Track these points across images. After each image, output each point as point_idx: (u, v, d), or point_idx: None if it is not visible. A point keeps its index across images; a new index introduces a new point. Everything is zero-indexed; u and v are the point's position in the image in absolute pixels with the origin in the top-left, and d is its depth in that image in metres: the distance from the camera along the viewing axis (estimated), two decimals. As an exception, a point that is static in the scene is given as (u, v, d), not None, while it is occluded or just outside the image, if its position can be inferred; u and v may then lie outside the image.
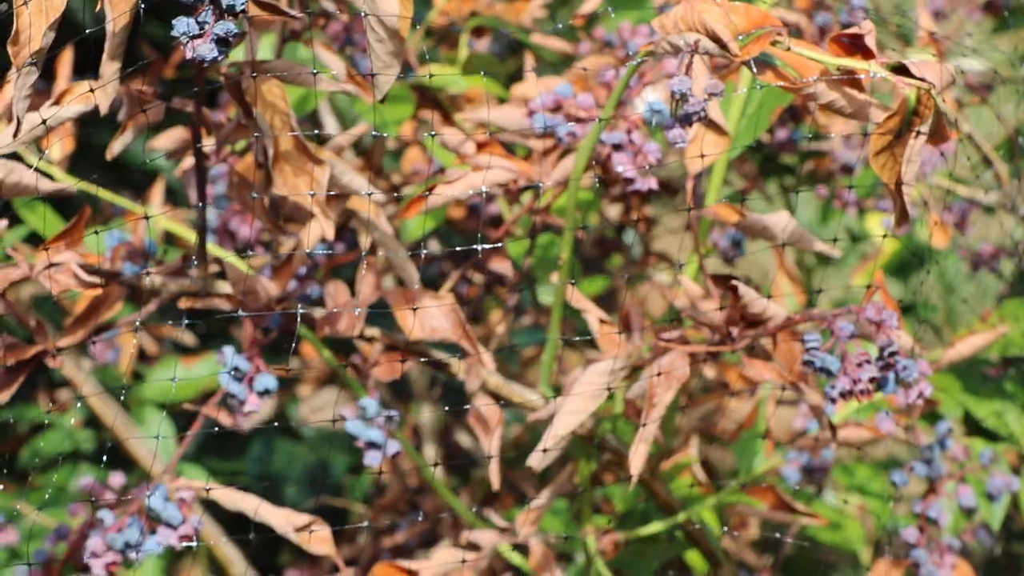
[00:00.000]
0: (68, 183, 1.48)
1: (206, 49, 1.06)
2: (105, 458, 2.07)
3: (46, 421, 2.19)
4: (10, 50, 1.13)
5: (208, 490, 1.35)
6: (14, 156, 1.27)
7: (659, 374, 1.22)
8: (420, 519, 1.86)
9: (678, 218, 1.71)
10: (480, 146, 1.39)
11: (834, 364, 1.23)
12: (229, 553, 1.69)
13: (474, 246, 1.55)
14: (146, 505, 1.32)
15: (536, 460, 1.27)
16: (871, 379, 1.23)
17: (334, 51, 1.54)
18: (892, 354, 1.23)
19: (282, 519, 1.34)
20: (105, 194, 1.56)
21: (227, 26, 1.06)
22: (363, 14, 1.14)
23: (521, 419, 1.58)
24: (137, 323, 1.30)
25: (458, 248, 1.56)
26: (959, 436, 1.52)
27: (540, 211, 1.50)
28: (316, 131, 1.74)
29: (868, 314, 1.24)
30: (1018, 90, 2.09)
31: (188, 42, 1.06)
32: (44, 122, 1.19)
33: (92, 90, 1.19)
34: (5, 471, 2.17)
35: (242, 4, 1.06)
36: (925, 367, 1.24)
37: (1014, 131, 2.08)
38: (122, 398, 2.02)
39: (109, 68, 1.14)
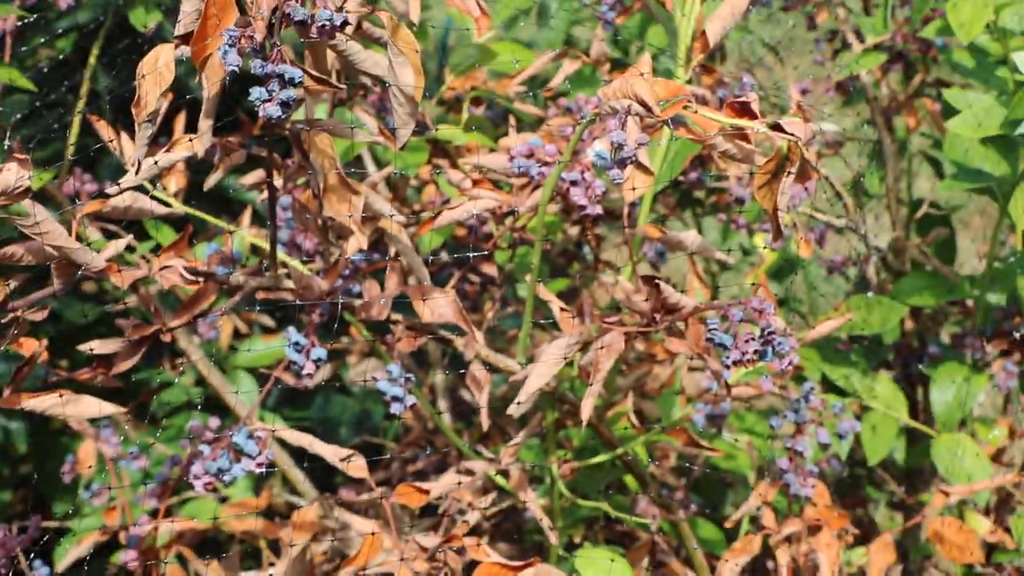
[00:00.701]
0: (178, 208, 1.46)
1: (274, 110, 1.05)
2: (206, 407, 2.06)
3: (168, 380, 2.17)
4: (133, 111, 1.11)
5: (273, 431, 1.33)
6: (140, 188, 1.25)
7: (602, 348, 1.21)
8: (433, 452, 1.85)
9: (619, 235, 1.69)
10: (475, 183, 1.38)
11: (728, 341, 1.22)
12: (298, 476, 1.68)
13: (470, 254, 1.55)
14: (233, 441, 1.30)
15: (515, 409, 1.27)
16: (755, 351, 1.22)
17: (371, 114, 1.53)
18: (770, 334, 1.22)
19: (330, 452, 1.33)
20: (206, 216, 1.55)
21: (289, 93, 1.05)
22: (388, 85, 1.13)
23: (505, 380, 1.55)
24: (225, 310, 1.30)
25: (458, 256, 1.55)
26: (818, 393, 1.50)
27: (518, 230, 1.49)
28: (356, 171, 1.74)
29: (753, 305, 1.23)
30: (859, 145, 2.08)
31: (261, 105, 1.04)
32: (156, 163, 1.17)
33: (191, 140, 1.18)
34: (141, 416, 2.16)
35: (300, 77, 1.05)
36: (794, 343, 1.23)
37: (857, 174, 2.06)
38: (220, 364, 2.01)
39: (205, 124, 1.12)
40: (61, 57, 2.34)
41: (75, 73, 2.09)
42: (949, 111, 1.58)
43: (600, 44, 1.80)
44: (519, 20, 2.28)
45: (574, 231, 1.67)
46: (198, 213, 1.58)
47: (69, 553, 1.73)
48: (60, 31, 2.19)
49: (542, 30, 2.42)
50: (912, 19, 1.78)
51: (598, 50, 1.80)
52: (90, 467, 1.79)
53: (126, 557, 1.61)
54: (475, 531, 1.43)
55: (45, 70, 2.38)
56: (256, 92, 1.06)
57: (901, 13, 1.94)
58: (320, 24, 1.06)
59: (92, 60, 1.92)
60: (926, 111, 1.95)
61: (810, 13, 2.03)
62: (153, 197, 1.43)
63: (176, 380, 2.17)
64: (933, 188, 2.13)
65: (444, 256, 1.69)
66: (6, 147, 1.80)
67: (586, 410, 1.23)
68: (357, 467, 1.32)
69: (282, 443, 1.56)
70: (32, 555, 1.57)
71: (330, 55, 1.16)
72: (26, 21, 1.79)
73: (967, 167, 1.58)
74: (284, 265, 1.33)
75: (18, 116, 2.36)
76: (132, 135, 1.15)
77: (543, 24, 2.42)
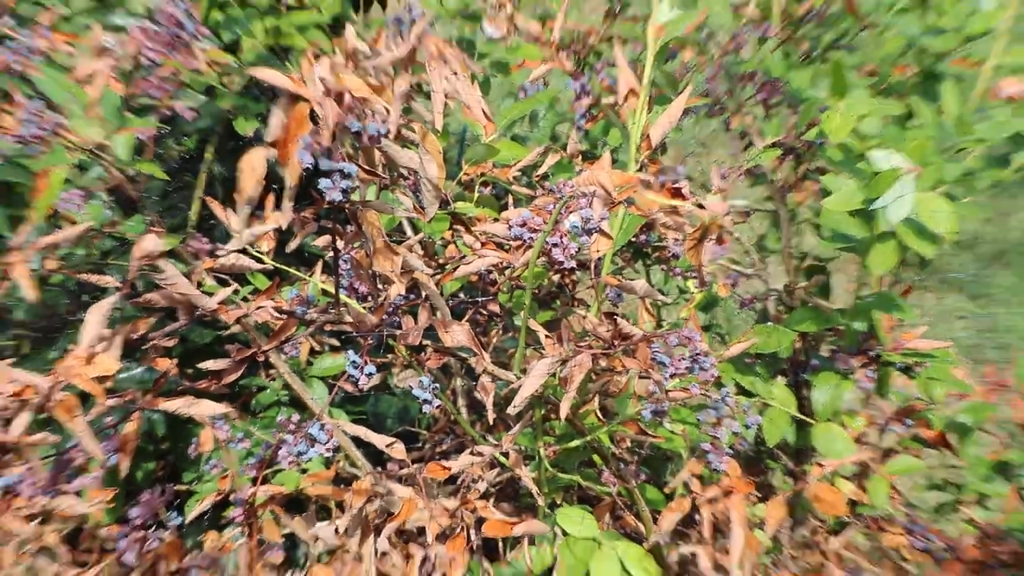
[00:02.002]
0: (268, 264, 1.47)
1: (336, 195, 1.05)
2: (291, 405, 2.06)
3: (263, 385, 2.18)
4: (235, 197, 1.11)
5: (337, 425, 1.33)
6: (242, 251, 1.26)
7: (575, 365, 1.21)
8: (454, 438, 1.84)
9: (588, 283, 1.69)
10: (483, 244, 1.39)
11: (666, 360, 1.22)
12: (357, 455, 1.67)
13: (479, 298, 1.55)
14: (309, 432, 1.30)
15: (513, 409, 1.26)
16: (686, 368, 1.22)
17: (408, 195, 1.53)
18: (697, 355, 1.23)
19: (378, 439, 1.33)
20: (289, 269, 1.55)
21: (347, 183, 1.05)
22: (420, 175, 1.13)
23: (506, 386, 1.55)
24: (303, 336, 1.30)
25: (471, 297, 1.56)
26: (733, 395, 1.50)
27: (515, 279, 1.50)
28: (398, 235, 1.74)
29: (684, 334, 1.23)
30: (762, 214, 2.08)
31: (327, 191, 1.05)
32: (252, 233, 1.18)
33: (277, 215, 1.18)
34: (244, 411, 2.17)
35: (355, 171, 1.05)
36: (714, 361, 1.23)
37: (761, 235, 2.06)
38: (300, 374, 2.01)
39: (287, 205, 1.13)
40: (187, 154, 2.35)
41: (196, 164, 2.10)
42: (826, 191, 1.58)
43: (574, 143, 1.81)
44: (516, 124, 2.28)
45: (556, 278, 1.68)
46: (283, 267, 1.58)
47: (194, 508, 1.76)
48: (186, 134, 2.20)
49: (533, 131, 2.43)
50: (799, 124, 1.78)
51: (573, 147, 1.81)
52: (209, 447, 1.80)
53: (234, 512, 1.61)
54: (484, 496, 1.43)
55: (175, 164, 2.39)
56: (324, 182, 1.07)
57: (791, 119, 1.94)
58: (369, 134, 1.07)
59: (208, 155, 1.93)
60: (810, 190, 1.96)
61: (726, 119, 2.04)
62: (251, 255, 1.44)
63: (269, 385, 2.18)
64: (815, 245, 2.13)
65: (461, 296, 1.69)
66: (149, 220, 1.81)
67: (564, 409, 1.24)
68: (398, 451, 1.33)
69: (344, 432, 1.56)
70: (168, 510, 1.58)
71: (377, 154, 1.17)
72: (162, 131, 1.80)
73: (838, 232, 1.58)
74: (345, 305, 1.33)
75: (155, 197, 2.36)
76: (236, 211, 1.16)
77: (534, 126, 2.43)
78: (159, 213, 2.50)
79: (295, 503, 1.79)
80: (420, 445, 1.90)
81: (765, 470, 2.03)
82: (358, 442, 1.53)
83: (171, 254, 1.80)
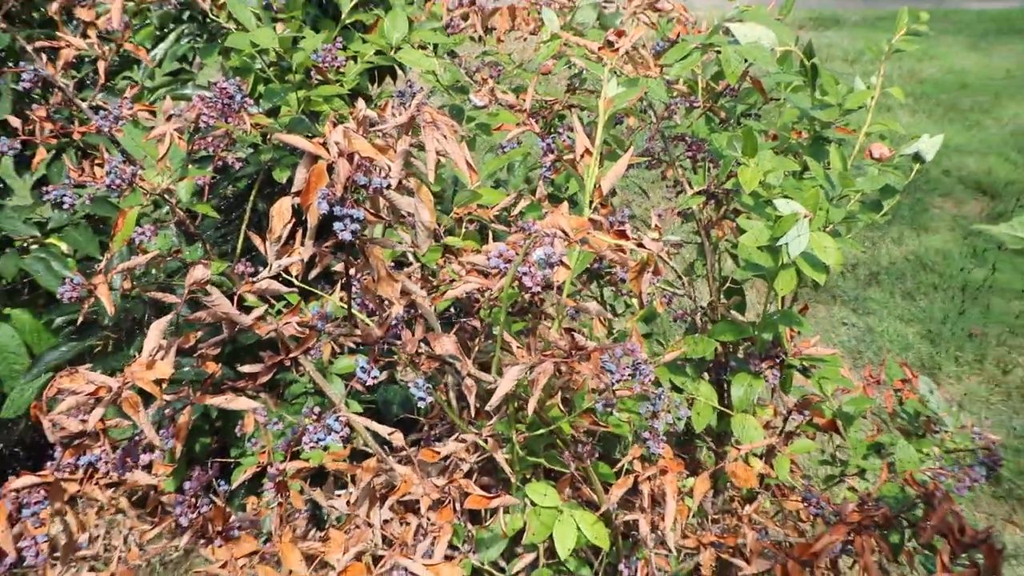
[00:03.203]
0: (297, 286, 1.43)
1: (347, 236, 1.02)
2: (315, 394, 2.01)
3: (294, 379, 2.13)
4: (268, 236, 1.07)
5: (349, 416, 1.29)
6: (275, 277, 1.21)
7: (540, 371, 1.17)
8: (445, 423, 1.79)
9: (553, 301, 1.65)
10: (468, 272, 1.34)
11: (613, 368, 1.18)
12: (368, 437, 1.63)
13: (464, 316, 1.51)
14: (327, 423, 1.26)
15: (490, 406, 1.22)
16: (629, 374, 1.18)
17: (408, 231, 1.49)
18: (637, 364, 1.19)
19: (383, 429, 1.30)
20: (313, 290, 1.52)
21: (355, 226, 1.02)
22: (414, 218, 1.09)
23: (485, 386, 1.51)
24: (323, 343, 1.25)
25: (459, 313, 1.52)
26: (668, 392, 1.47)
27: (493, 299, 1.45)
28: (402, 261, 1.70)
29: (628, 347, 1.19)
30: (691, 246, 2.05)
31: (340, 232, 1.01)
32: (280, 264, 1.13)
33: (301, 248, 1.14)
34: (279, 399, 2.12)
35: (362, 216, 1.02)
36: (651, 369, 1.19)
37: (690, 264, 2.02)
38: (322, 371, 1.96)
39: (308, 241, 1.09)
40: (237, 195, 2.31)
41: (245, 203, 2.06)
42: (741, 230, 1.55)
43: (542, 190, 1.77)
44: (496, 172, 2.25)
45: (527, 296, 1.64)
46: (309, 288, 1.54)
47: (239, 477, 1.73)
48: (236, 180, 2.16)
49: (510, 178, 2.39)
50: (719, 176, 1.75)
51: (541, 192, 1.77)
52: (251, 428, 1.76)
53: (268, 485, 1.57)
54: (468, 474, 1.39)
55: (229, 202, 2.35)
56: (337, 225, 1.03)
57: (713, 171, 1.91)
58: (374, 187, 1.03)
59: (252, 196, 1.89)
60: (728, 227, 1.92)
61: (662, 171, 2.01)
62: (284, 279, 1.40)
63: (299, 379, 2.13)
64: (733, 269, 2.10)
65: (452, 310, 1.66)
66: (204, 250, 1.76)
67: (531, 406, 1.20)
68: (397, 438, 1.29)
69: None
70: (218, 480, 1.54)
71: (382, 200, 1.13)
72: (215, 179, 1.75)
73: (751, 262, 1.55)
74: (356, 320, 1.29)
75: (213, 229, 2.32)
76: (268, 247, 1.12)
77: (511, 174, 2.40)
78: (215, 241, 2.46)
79: (319, 474, 1.74)
80: (419, 427, 1.85)
81: (694, 448, 1.99)
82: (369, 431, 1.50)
83: (221, 275, 1.76)
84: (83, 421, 1.10)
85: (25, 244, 2.58)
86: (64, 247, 2.57)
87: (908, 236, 4.69)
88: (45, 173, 2.77)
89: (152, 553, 1.57)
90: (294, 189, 1.06)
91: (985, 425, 3.29)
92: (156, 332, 1.11)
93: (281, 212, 1.08)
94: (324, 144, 1.08)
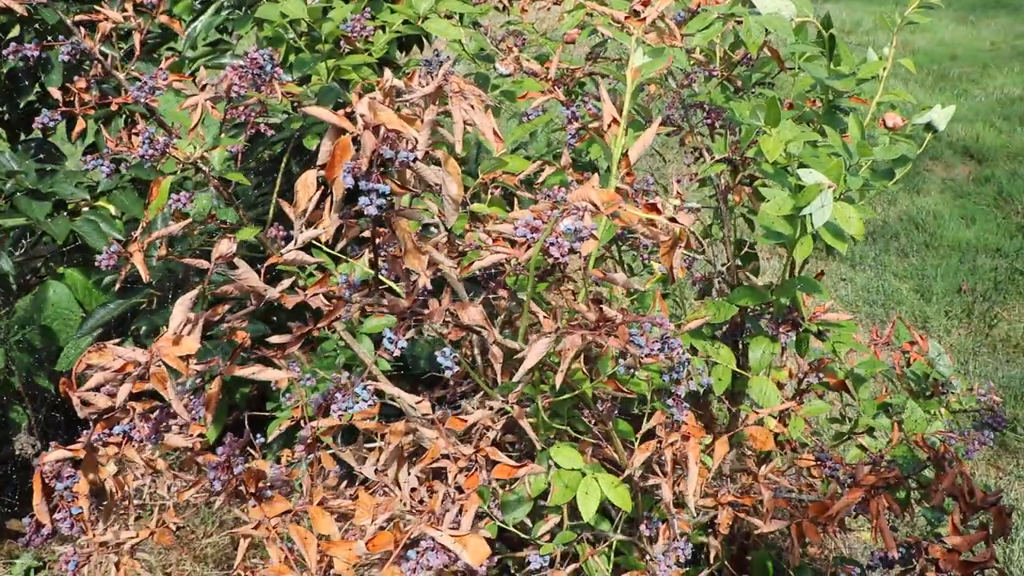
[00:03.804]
0: (324, 258, 1.31)
1: (372, 211, 0.89)
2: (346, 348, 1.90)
3: (326, 336, 2.02)
4: (294, 208, 0.95)
5: (377, 384, 1.17)
6: (304, 249, 1.09)
7: (568, 345, 1.05)
8: (471, 382, 1.66)
9: (576, 268, 1.51)
10: (494, 240, 1.22)
11: (642, 342, 1.05)
12: (397, 392, 1.53)
13: (490, 281, 1.38)
14: (354, 391, 1.14)
15: (517, 378, 1.10)
16: (658, 349, 1.06)
17: (435, 201, 1.36)
18: (666, 338, 1.06)
19: (409, 398, 1.20)
20: (344, 256, 1.40)
21: (381, 201, 0.89)
22: (443, 194, 0.96)
23: (513, 354, 1.39)
24: (352, 312, 1.13)
25: (483, 285, 1.39)
26: (688, 356, 1.34)
27: (519, 268, 1.32)
28: (431, 225, 1.57)
29: (656, 320, 1.06)
30: (709, 211, 1.91)
31: (365, 207, 0.88)
32: (306, 236, 1.01)
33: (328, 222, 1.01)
34: (312, 352, 2.02)
35: (388, 190, 0.89)
36: (680, 343, 1.07)
37: (707, 227, 1.89)
38: (352, 331, 1.85)
39: (334, 215, 0.96)
40: (273, 159, 2.19)
41: (275, 171, 1.94)
42: (761, 198, 1.42)
43: (567, 156, 1.64)
44: (519, 139, 2.11)
45: (551, 262, 1.51)
46: (339, 256, 1.42)
47: (273, 431, 1.64)
48: (271, 146, 2.04)
49: (533, 143, 2.25)
50: (740, 144, 1.61)
51: (566, 159, 1.64)
52: (284, 384, 1.66)
53: (299, 447, 1.46)
54: (493, 442, 1.28)
55: (264, 166, 2.22)
56: (362, 200, 0.90)
57: (731, 138, 1.77)
58: (400, 160, 0.90)
59: (283, 164, 1.75)
60: (744, 192, 1.78)
61: (682, 137, 1.86)
62: (313, 245, 1.28)
63: (330, 336, 2.02)
64: (746, 231, 1.96)
65: (479, 272, 1.53)
66: (239, 216, 1.64)
67: (558, 379, 1.08)
68: (424, 407, 1.18)
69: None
70: (255, 435, 1.44)
71: (408, 172, 1.00)
72: (246, 147, 1.62)
73: (772, 230, 1.42)
74: (383, 290, 1.17)
75: (250, 191, 2.20)
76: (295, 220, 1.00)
77: (534, 139, 2.26)
78: (254, 202, 2.33)
79: (351, 429, 1.64)
80: (445, 384, 1.73)
81: (708, 403, 1.87)
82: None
83: (255, 240, 1.64)
84: (111, 396, 0.99)
85: (77, 206, 2.48)
86: (113, 209, 2.46)
87: (901, 197, 4.52)
88: (95, 141, 2.65)
89: (189, 515, 1.47)
90: (319, 162, 0.94)
91: (975, 377, 3.16)
92: (182, 307, 0.98)
93: (307, 185, 0.95)
94: (350, 115, 0.95)
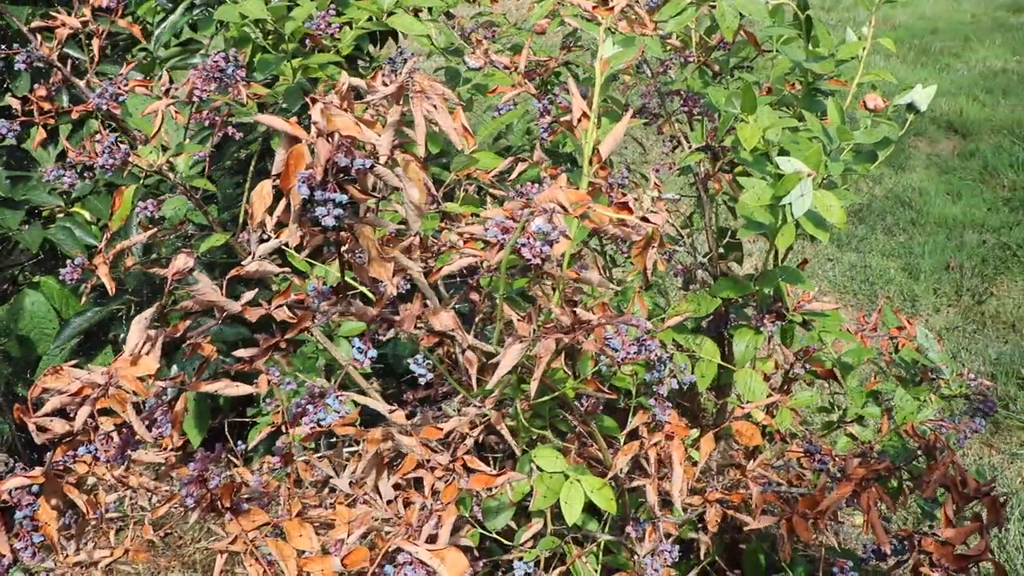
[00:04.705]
0: (302, 264, 1.27)
1: (329, 221, 0.85)
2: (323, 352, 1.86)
3: (305, 339, 1.98)
4: (250, 222, 0.91)
5: (342, 395, 1.14)
6: (278, 252, 1.05)
7: (543, 349, 1.01)
8: (448, 385, 1.62)
9: (552, 265, 1.47)
10: (465, 242, 1.18)
11: (618, 345, 1.02)
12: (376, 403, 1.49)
13: (462, 287, 1.34)
14: (326, 402, 1.11)
15: (492, 384, 1.07)
16: (635, 352, 1.02)
17: (402, 204, 1.32)
18: (644, 338, 1.03)
19: (383, 407, 1.17)
20: (311, 263, 1.36)
21: (338, 211, 0.85)
22: (404, 200, 0.92)
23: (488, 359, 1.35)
24: (322, 320, 1.09)
25: (454, 288, 1.35)
26: (672, 352, 1.31)
27: (491, 269, 1.28)
28: (401, 228, 1.53)
29: (632, 321, 1.02)
30: (689, 200, 1.87)
31: (322, 217, 0.84)
32: (267, 248, 0.97)
33: (288, 231, 0.97)
34: (291, 356, 1.98)
35: (345, 200, 0.85)
36: (657, 343, 1.04)
37: (688, 216, 1.85)
38: (329, 335, 1.81)
39: (293, 226, 0.92)
40: (246, 159, 2.14)
41: (245, 173, 1.89)
42: (741, 187, 1.38)
43: (539, 152, 1.60)
44: (495, 131, 2.07)
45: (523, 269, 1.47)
46: (310, 262, 1.38)
47: (254, 438, 1.62)
48: (241, 148, 1.99)
49: (507, 136, 2.21)
50: (718, 132, 1.57)
51: (538, 155, 1.60)
52: (264, 388, 1.62)
53: (275, 459, 1.43)
54: (476, 443, 1.24)
55: (237, 167, 2.17)
56: (320, 210, 0.86)
57: (710, 125, 1.73)
58: (356, 168, 0.86)
59: (252, 166, 1.71)
60: (724, 180, 1.75)
61: (659, 125, 1.82)
62: (283, 252, 1.24)
63: (309, 339, 1.98)
64: (726, 218, 1.93)
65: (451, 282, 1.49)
66: (207, 221, 1.60)
67: (532, 387, 1.05)
68: (398, 415, 1.14)
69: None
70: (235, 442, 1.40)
71: (371, 177, 0.96)
72: (213, 151, 1.58)
73: (752, 220, 1.38)
74: (350, 298, 1.13)
75: (228, 190, 2.15)
76: (251, 233, 0.96)
77: (508, 132, 2.21)
78: (231, 202, 2.28)
79: (331, 433, 1.61)
80: (429, 384, 1.69)
81: (694, 395, 1.84)
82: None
83: (225, 246, 1.60)
84: (69, 420, 0.95)
85: (52, 213, 2.43)
86: (88, 215, 2.42)
87: (887, 175, 4.49)
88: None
89: (177, 520, 1.44)
90: (273, 172, 0.90)
91: (966, 355, 3.14)
92: (138, 327, 0.94)
93: (262, 196, 0.91)
94: (307, 122, 0.91)
